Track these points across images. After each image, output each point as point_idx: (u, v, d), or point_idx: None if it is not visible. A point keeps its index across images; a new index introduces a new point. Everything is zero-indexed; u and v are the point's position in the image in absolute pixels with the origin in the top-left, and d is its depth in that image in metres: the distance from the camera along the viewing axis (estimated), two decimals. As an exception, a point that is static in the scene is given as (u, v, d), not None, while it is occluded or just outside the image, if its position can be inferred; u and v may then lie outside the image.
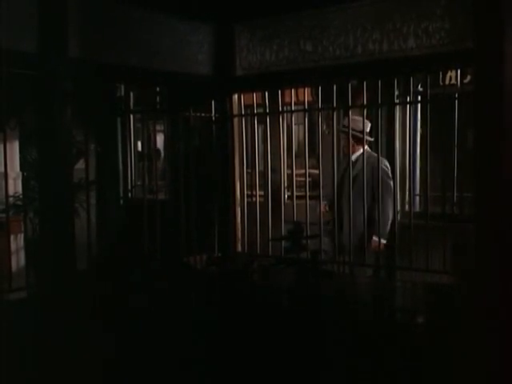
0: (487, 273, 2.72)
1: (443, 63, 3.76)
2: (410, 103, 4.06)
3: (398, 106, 5.31)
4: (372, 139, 4.85)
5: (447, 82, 5.42)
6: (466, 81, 4.25)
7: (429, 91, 4.06)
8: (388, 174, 4.62)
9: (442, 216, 4.10)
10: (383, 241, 4.51)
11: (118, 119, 5.76)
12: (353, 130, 4.43)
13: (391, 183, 4.58)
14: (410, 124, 5.53)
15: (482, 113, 3.29)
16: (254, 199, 4.78)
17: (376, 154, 4.42)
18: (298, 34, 4.28)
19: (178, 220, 4.57)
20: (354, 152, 4.69)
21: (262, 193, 4.88)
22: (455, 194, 4.16)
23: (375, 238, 4.48)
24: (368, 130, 4.80)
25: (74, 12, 3.61)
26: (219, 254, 4.70)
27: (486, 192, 2.92)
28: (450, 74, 5.33)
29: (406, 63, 3.81)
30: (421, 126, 6.04)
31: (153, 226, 4.42)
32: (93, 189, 4.89)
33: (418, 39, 3.74)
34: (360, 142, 4.55)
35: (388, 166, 4.67)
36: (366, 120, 4.76)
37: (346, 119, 4.51)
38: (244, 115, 4.76)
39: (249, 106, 4.76)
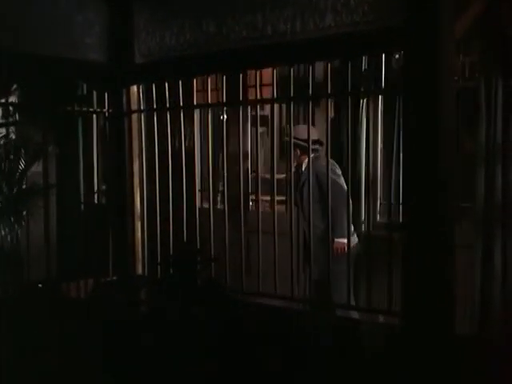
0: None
1: (367, 44, 3.00)
2: (328, 97, 3.24)
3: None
4: (318, 147, 4.31)
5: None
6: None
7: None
8: (335, 171, 4.20)
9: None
10: (343, 240, 4.03)
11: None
12: (297, 139, 4.02)
13: (338, 180, 4.19)
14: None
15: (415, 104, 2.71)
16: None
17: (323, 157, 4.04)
18: (200, 13, 3.52)
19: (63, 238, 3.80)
20: (302, 162, 4.36)
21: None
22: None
23: (337, 240, 4.11)
24: (314, 137, 4.26)
25: None
26: (113, 278, 3.92)
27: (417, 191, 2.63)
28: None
29: (323, 44, 3.06)
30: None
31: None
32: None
33: (337, 16, 2.99)
34: (306, 151, 4.08)
35: (334, 163, 4.23)
36: (311, 127, 4.24)
37: (294, 129, 4.15)
38: (143, 111, 3.96)
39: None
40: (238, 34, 3.34)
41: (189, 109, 3.70)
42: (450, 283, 2.62)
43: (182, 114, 3.72)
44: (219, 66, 3.50)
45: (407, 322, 2.77)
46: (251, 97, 4.06)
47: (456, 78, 4.70)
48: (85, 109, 3.84)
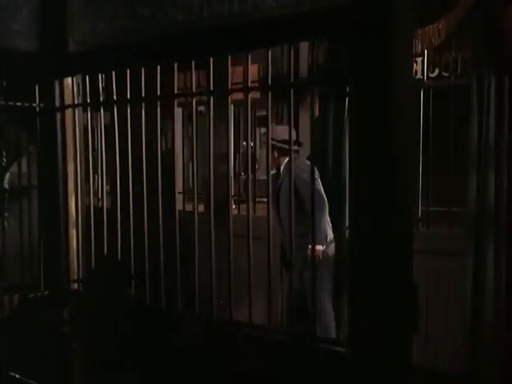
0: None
1: (313, 26, 2.57)
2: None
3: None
4: (296, 148, 4.19)
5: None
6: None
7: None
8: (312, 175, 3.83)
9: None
10: (320, 247, 4.00)
11: None
12: (274, 140, 4.04)
13: (317, 186, 4.06)
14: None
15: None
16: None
17: (301, 159, 4.12)
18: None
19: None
20: (280, 164, 4.28)
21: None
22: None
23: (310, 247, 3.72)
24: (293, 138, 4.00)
25: None
26: (46, 293, 3.52)
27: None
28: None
29: (264, 28, 2.64)
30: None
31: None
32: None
33: (280, -6, 2.58)
34: (284, 152, 4.13)
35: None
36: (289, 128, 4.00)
37: (270, 130, 3.94)
38: (78, 105, 3.53)
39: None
40: (173, 18, 2.93)
41: (123, 103, 3.28)
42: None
43: (115, 109, 3.30)
44: (154, 54, 3.08)
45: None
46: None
47: (448, 74, 4.38)
48: (11, 103, 3.43)
